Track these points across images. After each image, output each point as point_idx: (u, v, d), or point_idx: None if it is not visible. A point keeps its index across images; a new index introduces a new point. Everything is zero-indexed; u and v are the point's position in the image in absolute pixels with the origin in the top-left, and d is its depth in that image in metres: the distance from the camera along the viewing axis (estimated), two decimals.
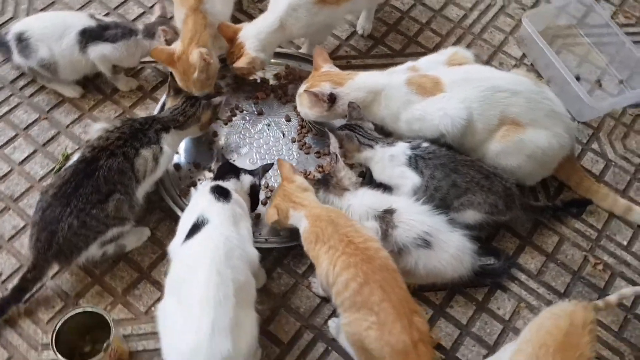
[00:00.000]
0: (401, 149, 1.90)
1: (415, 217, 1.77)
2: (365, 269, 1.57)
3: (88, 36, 2.06)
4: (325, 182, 1.87)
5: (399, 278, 1.60)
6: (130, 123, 1.84)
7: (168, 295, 1.57)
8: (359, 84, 1.96)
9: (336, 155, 1.91)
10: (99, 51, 2.07)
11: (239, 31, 2.08)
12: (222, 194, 1.69)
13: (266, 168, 1.89)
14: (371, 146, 1.91)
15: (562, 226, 2.08)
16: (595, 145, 2.26)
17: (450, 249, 1.77)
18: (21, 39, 2.08)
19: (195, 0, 2.04)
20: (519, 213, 1.93)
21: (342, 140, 1.91)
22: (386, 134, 2.01)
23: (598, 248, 2.04)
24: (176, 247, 1.64)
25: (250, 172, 1.84)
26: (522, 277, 1.97)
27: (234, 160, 2.07)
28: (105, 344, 1.55)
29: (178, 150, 2.09)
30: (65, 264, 1.76)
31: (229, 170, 1.83)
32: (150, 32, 2.12)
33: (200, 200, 1.69)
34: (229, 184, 1.76)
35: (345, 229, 1.64)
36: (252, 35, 2.06)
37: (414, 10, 2.56)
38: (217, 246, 1.54)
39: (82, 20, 2.09)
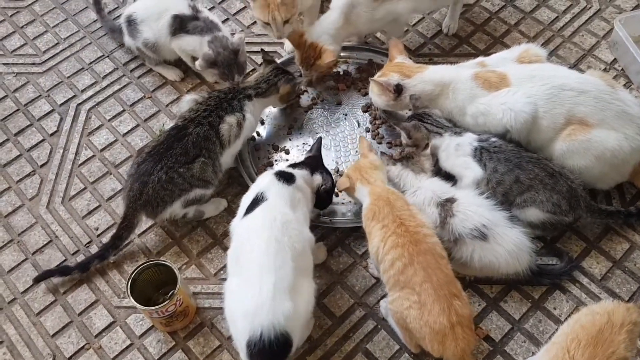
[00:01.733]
0: (468, 140, 1.94)
1: (474, 209, 1.80)
2: (411, 250, 1.64)
3: (178, 22, 2.26)
4: (406, 159, 1.97)
5: (444, 263, 1.65)
6: (216, 94, 2.05)
7: (230, 271, 1.70)
8: (427, 77, 2.02)
9: (426, 144, 1.99)
10: (177, 42, 2.28)
11: (305, 35, 2.18)
12: (284, 176, 1.81)
13: (328, 189, 1.93)
14: (440, 134, 1.98)
15: (635, 234, 2.01)
16: None
17: (506, 244, 1.77)
18: (130, 22, 2.35)
19: None
20: (584, 215, 1.89)
21: (410, 132, 1.99)
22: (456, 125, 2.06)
23: None
24: (236, 223, 1.78)
25: (325, 173, 1.92)
26: (584, 280, 1.93)
27: (309, 145, 2.22)
28: (171, 292, 1.74)
29: (260, 132, 2.27)
30: (152, 215, 1.98)
31: (312, 163, 1.94)
32: (209, 44, 2.21)
33: (262, 181, 1.82)
34: (298, 172, 1.86)
35: (400, 212, 1.72)
36: (322, 32, 2.17)
37: (504, 12, 2.57)
38: (275, 217, 1.66)
39: (179, 6, 2.29)
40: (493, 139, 1.93)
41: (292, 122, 2.31)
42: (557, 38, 2.48)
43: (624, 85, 2.31)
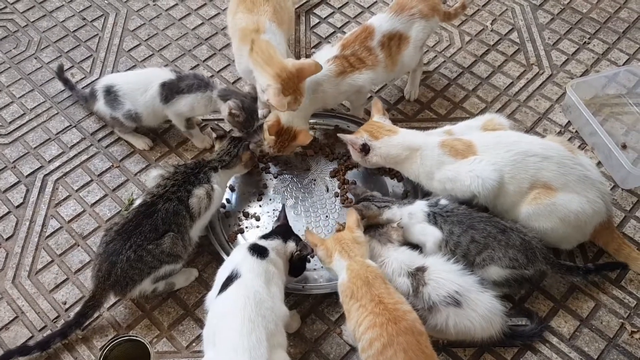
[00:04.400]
0: (419, 207, 2.00)
1: (445, 276, 1.83)
2: (390, 330, 1.61)
3: (167, 88, 2.29)
4: (374, 229, 1.98)
5: (424, 341, 1.64)
6: (183, 169, 2.05)
7: (206, 348, 1.69)
8: (395, 141, 2.08)
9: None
10: (174, 108, 2.31)
11: (280, 120, 2.24)
12: (257, 251, 1.81)
13: (302, 256, 1.94)
14: (388, 207, 2.02)
15: (599, 292, 2.07)
16: (639, 213, 2.26)
17: (480, 309, 1.80)
18: (110, 92, 2.35)
19: (255, 32, 2.20)
20: (544, 267, 1.93)
21: (362, 212, 2.02)
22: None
23: (637, 317, 2.01)
24: (212, 298, 1.78)
25: (299, 243, 1.92)
26: (554, 340, 1.97)
27: (279, 211, 2.23)
28: None
29: (230, 199, 2.29)
30: (121, 294, 1.94)
31: (283, 232, 1.95)
32: (224, 97, 2.25)
33: (236, 256, 1.83)
34: (271, 243, 1.87)
35: (378, 290, 1.70)
36: (293, 116, 2.22)
37: (461, 78, 2.69)
38: (248, 296, 1.66)
39: (163, 74, 2.33)
40: (442, 203, 2.00)
41: (262, 188, 2.34)
42: (513, 102, 2.60)
43: (579, 146, 2.42)
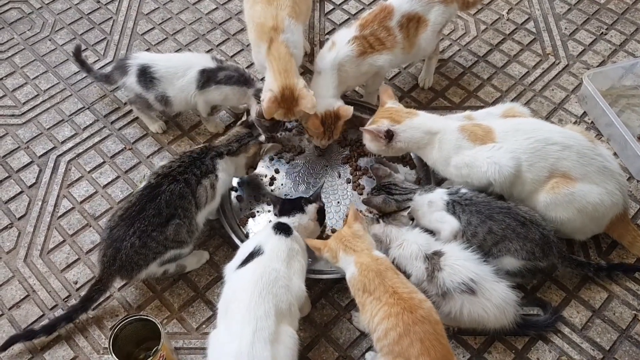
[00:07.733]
0: (439, 195, 1.98)
1: (461, 263, 1.81)
2: (406, 319, 1.60)
3: (206, 75, 2.27)
4: (386, 217, 1.97)
5: (441, 331, 1.63)
6: (189, 154, 2.01)
7: (220, 323, 1.70)
8: (417, 123, 2.04)
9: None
10: (208, 96, 2.30)
11: (317, 114, 2.19)
12: (282, 229, 1.82)
13: (317, 190, 2.03)
14: (410, 199, 2.00)
15: (612, 283, 2.05)
16: None
17: (494, 299, 1.78)
18: (145, 72, 2.29)
19: (274, 30, 2.13)
20: (557, 261, 1.92)
21: (381, 207, 2.00)
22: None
23: None
24: (230, 270, 1.79)
25: (310, 200, 1.98)
26: (566, 330, 1.95)
27: (291, 196, 2.24)
28: (155, 349, 1.70)
29: (242, 184, 2.29)
30: (127, 278, 1.94)
31: (291, 207, 1.96)
32: (259, 97, 2.21)
33: (262, 233, 1.84)
34: (294, 219, 1.89)
35: (391, 281, 1.68)
36: (325, 99, 2.20)
37: (477, 67, 2.66)
38: (262, 274, 1.67)
39: (203, 61, 2.31)
40: (463, 191, 1.97)
41: (274, 173, 2.33)
42: (529, 92, 2.57)
43: (594, 137, 2.39)
